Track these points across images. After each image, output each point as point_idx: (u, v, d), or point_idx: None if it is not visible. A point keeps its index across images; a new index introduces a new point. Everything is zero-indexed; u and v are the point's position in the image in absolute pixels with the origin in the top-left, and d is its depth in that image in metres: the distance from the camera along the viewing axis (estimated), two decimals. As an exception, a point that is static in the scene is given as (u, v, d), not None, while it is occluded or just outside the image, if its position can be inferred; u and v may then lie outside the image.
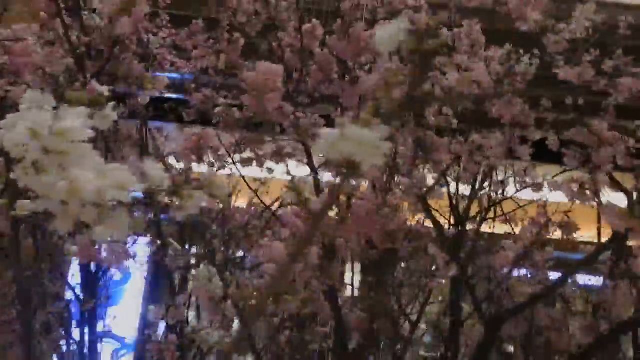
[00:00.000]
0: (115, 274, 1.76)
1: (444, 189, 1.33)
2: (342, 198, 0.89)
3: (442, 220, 1.50)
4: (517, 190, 1.42)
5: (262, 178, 1.83)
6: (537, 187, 1.41)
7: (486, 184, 1.43)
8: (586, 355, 1.02)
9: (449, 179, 1.37)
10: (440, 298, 1.73)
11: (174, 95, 1.92)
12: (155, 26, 1.86)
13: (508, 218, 1.53)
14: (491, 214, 1.46)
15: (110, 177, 0.41)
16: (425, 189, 0.98)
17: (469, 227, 1.46)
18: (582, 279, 1.60)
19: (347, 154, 0.41)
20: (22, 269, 0.76)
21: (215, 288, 0.75)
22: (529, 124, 1.33)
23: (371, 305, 1.09)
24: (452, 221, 1.42)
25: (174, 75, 1.93)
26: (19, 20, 1.28)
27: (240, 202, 1.97)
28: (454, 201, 1.37)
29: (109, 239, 0.41)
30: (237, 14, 1.42)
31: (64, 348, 1.38)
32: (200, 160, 0.78)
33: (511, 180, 1.45)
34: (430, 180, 1.44)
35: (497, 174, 1.47)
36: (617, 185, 1.38)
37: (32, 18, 1.21)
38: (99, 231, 0.40)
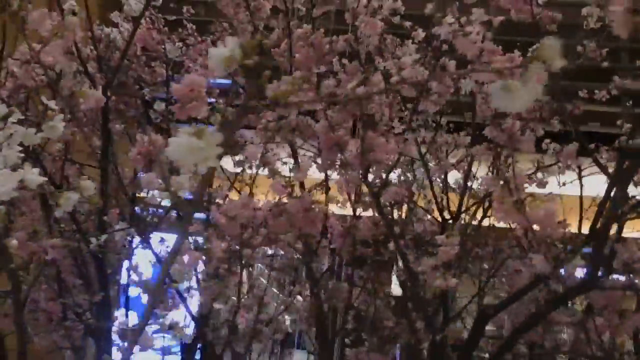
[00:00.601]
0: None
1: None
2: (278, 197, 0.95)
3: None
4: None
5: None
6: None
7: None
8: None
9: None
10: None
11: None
12: (177, 34, 1.98)
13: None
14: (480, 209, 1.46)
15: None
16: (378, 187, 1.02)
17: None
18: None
19: (181, 158, 0.48)
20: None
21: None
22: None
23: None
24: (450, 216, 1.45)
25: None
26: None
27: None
28: (439, 197, 1.39)
29: None
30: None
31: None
32: (150, 165, 0.85)
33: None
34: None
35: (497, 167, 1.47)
36: (602, 170, 1.36)
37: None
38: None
